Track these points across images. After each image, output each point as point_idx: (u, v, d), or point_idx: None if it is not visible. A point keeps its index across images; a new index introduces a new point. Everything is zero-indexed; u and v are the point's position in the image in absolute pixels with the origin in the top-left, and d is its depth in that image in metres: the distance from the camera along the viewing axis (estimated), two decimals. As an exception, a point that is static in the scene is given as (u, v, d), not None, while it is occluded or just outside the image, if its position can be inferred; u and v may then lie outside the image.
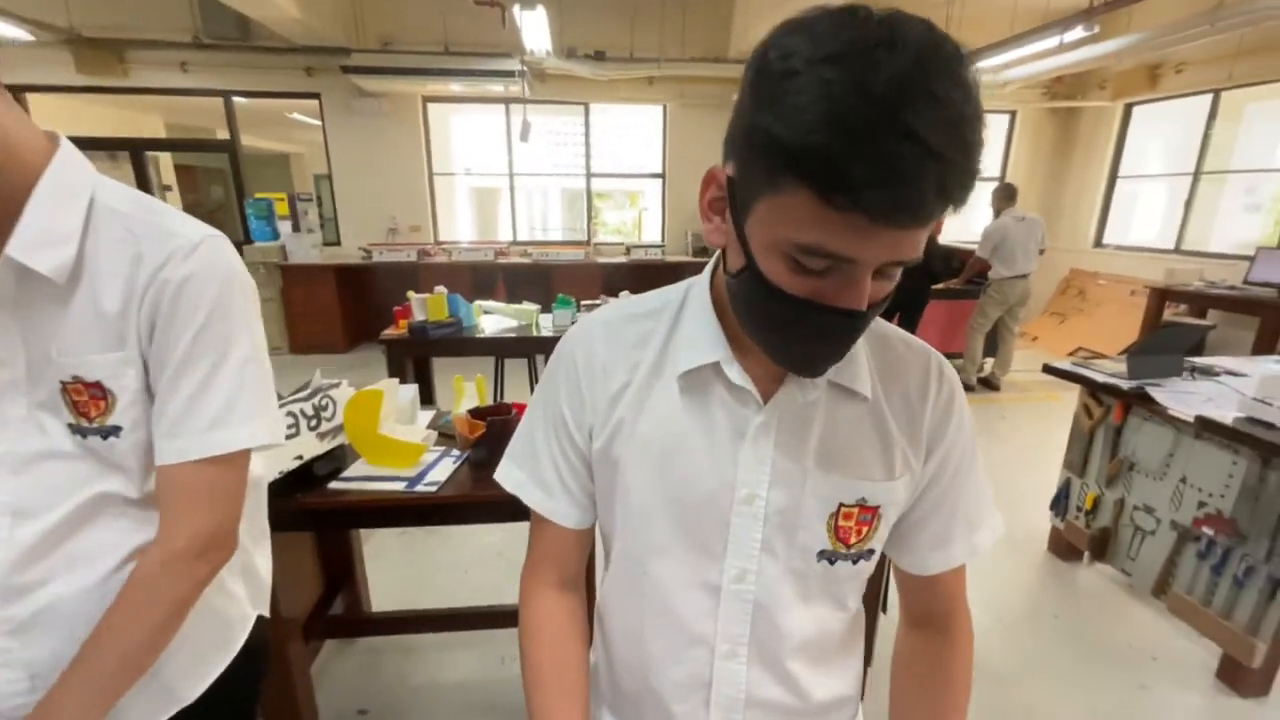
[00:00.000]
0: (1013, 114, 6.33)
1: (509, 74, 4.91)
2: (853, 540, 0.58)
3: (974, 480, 0.61)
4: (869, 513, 0.57)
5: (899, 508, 0.59)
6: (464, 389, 1.71)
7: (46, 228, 0.58)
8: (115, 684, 0.60)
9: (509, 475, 0.65)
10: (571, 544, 0.65)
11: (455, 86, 5.33)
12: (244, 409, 0.65)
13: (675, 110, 5.93)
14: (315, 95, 5.53)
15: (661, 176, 6.27)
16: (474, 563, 2.31)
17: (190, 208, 8.23)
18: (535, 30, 4.45)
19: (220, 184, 9.46)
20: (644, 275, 5.55)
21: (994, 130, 6.48)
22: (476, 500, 1.30)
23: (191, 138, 7.23)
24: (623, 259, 5.77)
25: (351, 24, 5.28)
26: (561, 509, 0.63)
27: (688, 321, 0.58)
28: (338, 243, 5.91)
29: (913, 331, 3.55)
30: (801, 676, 0.61)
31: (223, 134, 5.70)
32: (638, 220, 8.61)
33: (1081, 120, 6.20)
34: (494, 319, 3.05)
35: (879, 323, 0.60)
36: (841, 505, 0.56)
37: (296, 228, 5.35)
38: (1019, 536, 2.53)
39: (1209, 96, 5.10)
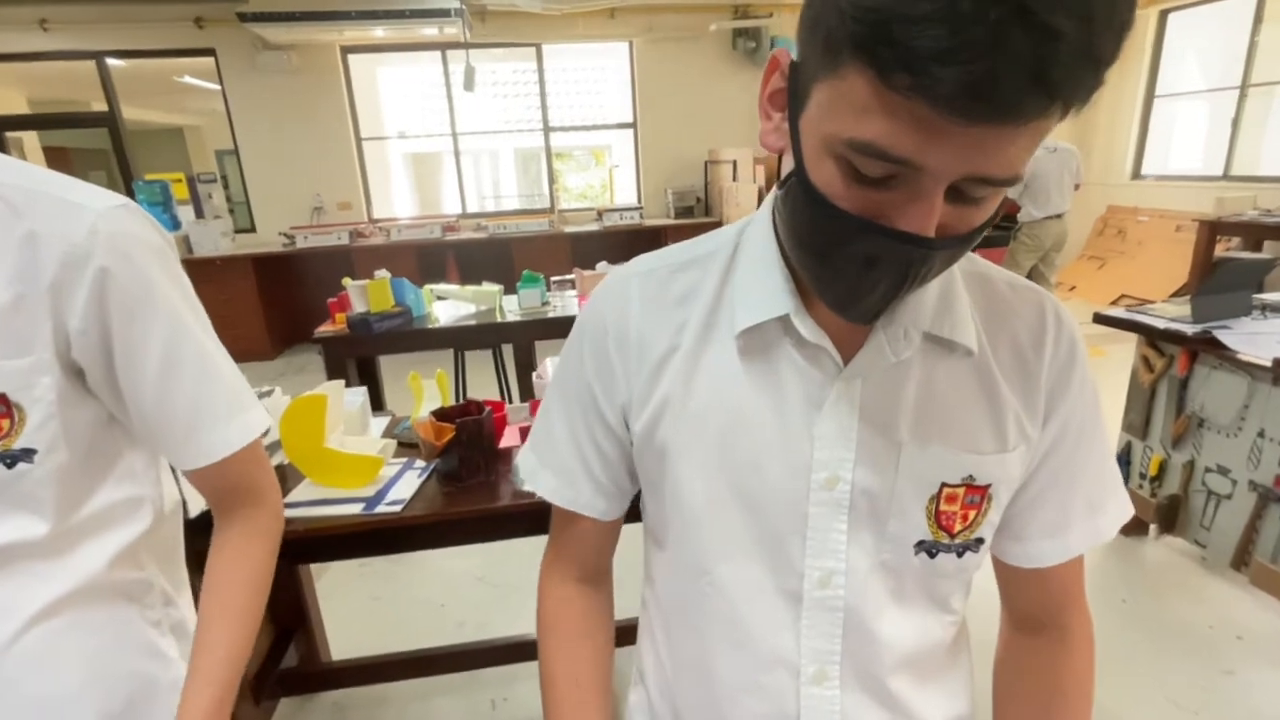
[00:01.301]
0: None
1: (444, 13, 4.78)
2: (957, 528, 0.54)
3: (1099, 451, 0.57)
4: (977, 493, 0.53)
5: (1012, 485, 0.55)
6: (423, 388, 1.65)
7: None
8: (246, 639, 0.66)
9: (526, 461, 0.64)
10: (597, 537, 0.64)
11: (380, 32, 5.17)
12: (244, 389, 0.68)
13: (643, 47, 5.84)
14: (209, 51, 5.33)
15: (632, 126, 6.19)
16: (451, 593, 2.27)
17: (68, 198, 7.97)
18: (471, -42, 4.33)
19: (101, 166, 9.15)
20: (620, 244, 5.49)
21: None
22: (451, 519, 1.26)
23: (61, 112, 6.94)
24: (594, 226, 5.71)
25: (247, -38, 5.08)
26: (585, 498, 0.61)
27: (744, 268, 0.54)
28: (252, 229, 5.75)
29: None
30: (909, 699, 0.57)
31: (99, 105, 5.47)
32: (608, 181, 8.52)
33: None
34: (449, 305, 2.98)
35: (976, 260, 0.56)
36: (945, 485, 0.52)
37: (200, 214, 5.18)
38: (1075, 513, 2.56)
39: (1253, -3, 5.16)
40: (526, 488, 0.63)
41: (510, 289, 3.08)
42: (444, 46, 5.64)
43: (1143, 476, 2.32)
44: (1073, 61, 0.31)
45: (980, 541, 0.55)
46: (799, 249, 0.46)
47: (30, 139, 6.66)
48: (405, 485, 1.33)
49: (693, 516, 0.56)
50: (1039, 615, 0.61)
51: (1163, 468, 2.24)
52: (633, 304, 0.56)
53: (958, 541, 0.54)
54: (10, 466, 0.57)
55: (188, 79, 7.09)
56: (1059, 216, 4.24)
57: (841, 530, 0.53)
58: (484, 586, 2.29)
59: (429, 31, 5.12)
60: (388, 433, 1.58)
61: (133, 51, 5.25)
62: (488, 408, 1.38)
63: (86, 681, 0.63)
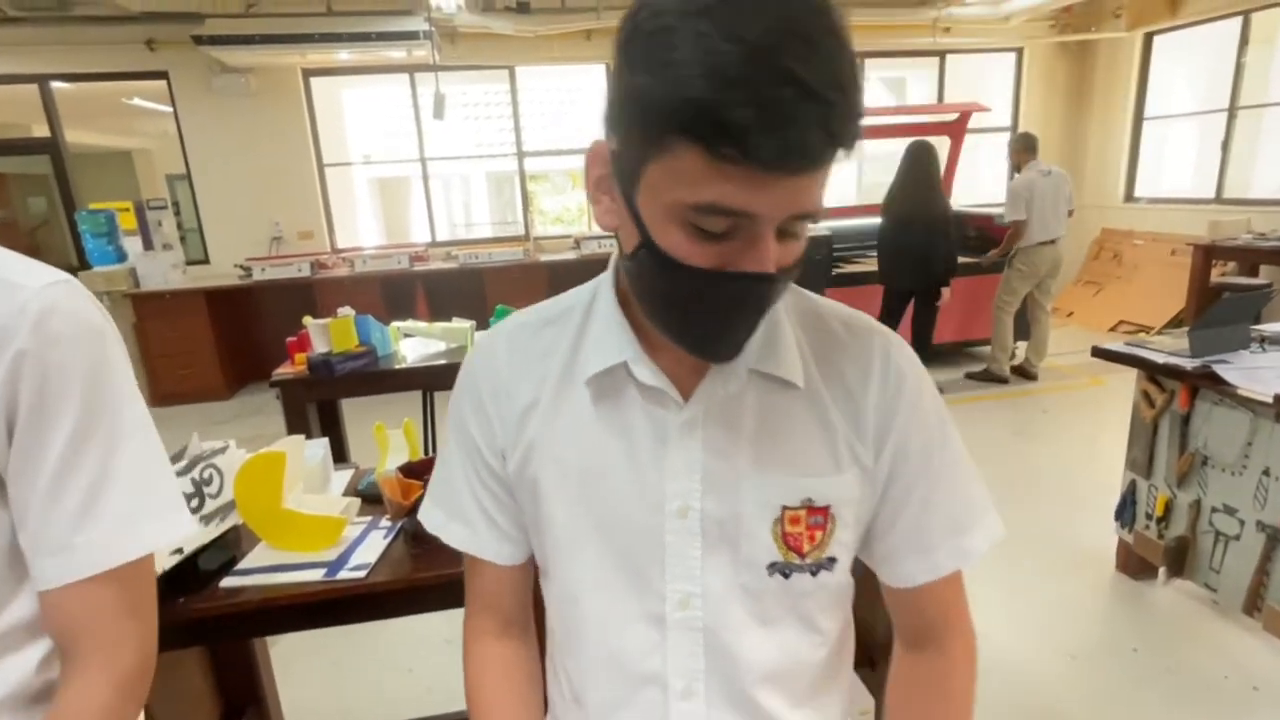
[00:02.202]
0: (1019, 52, 6.61)
1: (412, 35, 4.86)
2: (806, 548, 0.62)
3: (951, 476, 0.65)
4: (819, 514, 0.61)
5: (854, 506, 0.62)
6: (388, 440, 1.64)
7: None
8: None
9: (429, 516, 0.71)
10: (508, 583, 0.71)
11: (344, 55, 5.23)
12: (156, 494, 0.64)
13: (621, 69, 5.95)
14: (162, 74, 5.35)
15: (611, 150, 6.27)
16: (418, 657, 2.22)
17: (2, 228, 7.86)
18: (442, -20, 4.42)
19: (41, 192, 9.07)
20: (599, 272, 5.52)
21: (999, 72, 6.74)
22: (421, 584, 1.24)
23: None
24: (571, 255, 5.75)
25: (204, -17, 5.14)
26: (489, 544, 0.68)
27: (596, 322, 0.63)
28: (205, 260, 5.71)
29: (930, 324, 3.52)
30: (774, 713, 0.64)
31: (41, 130, 5.44)
32: (585, 205, 8.61)
33: (1098, 55, 6.51)
34: (417, 343, 2.97)
35: (815, 301, 0.66)
36: (785, 508, 0.60)
37: (149, 245, 5.13)
38: (1081, 553, 2.59)
39: (1238, 20, 5.42)
40: (442, 538, 0.70)
41: (483, 324, 3.08)
42: (412, 69, 5.72)
43: (1149, 517, 2.35)
44: (845, 118, 0.44)
45: (834, 560, 0.63)
46: (659, 308, 0.55)
47: (-36, 165, 6.59)
48: (370, 548, 1.31)
49: (563, 550, 0.64)
50: (921, 633, 0.68)
51: (1169, 507, 2.28)
52: (500, 359, 0.66)
53: (809, 561, 0.62)
54: None
55: (137, 101, 7.09)
56: (1053, 242, 4.35)
57: (696, 556, 0.61)
58: (453, 649, 2.25)
59: (397, 54, 5.19)
60: (350, 489, 1.56)
61: (79, 75, 5.25)
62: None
63: None
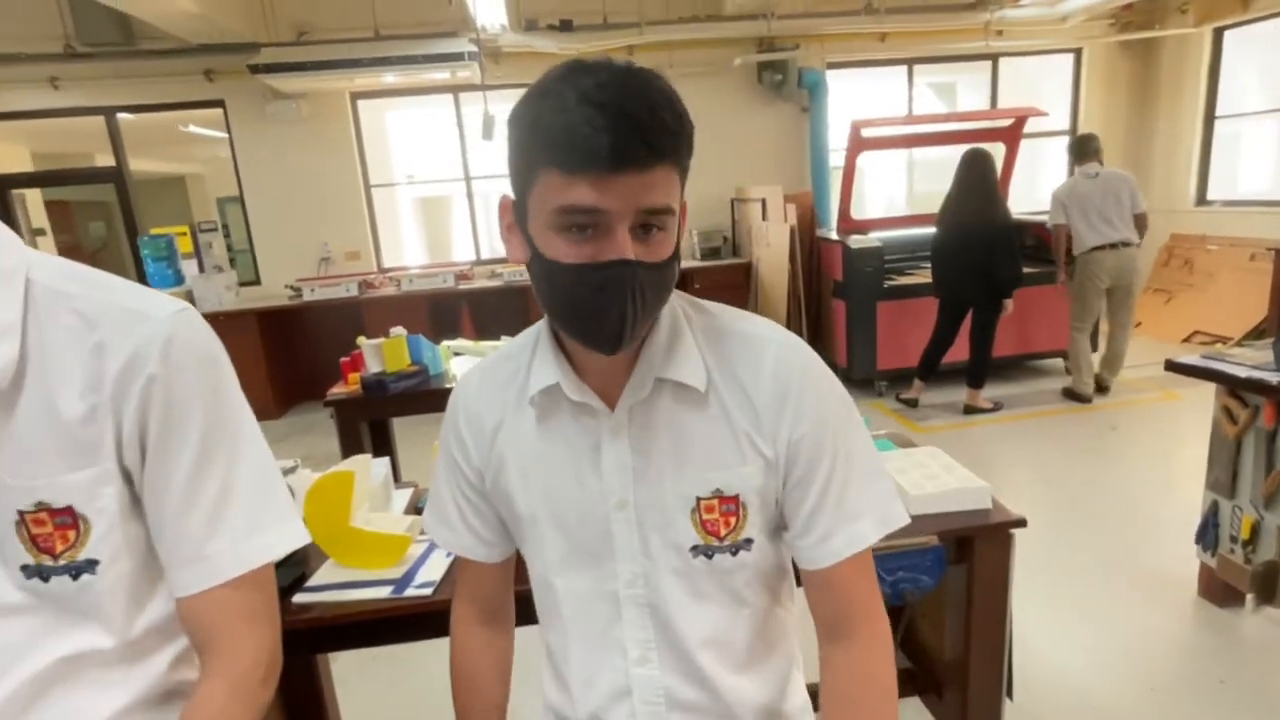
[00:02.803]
0: (1077, 52, 6.48)
1: (457, 57, 5.01)
2: (723, 532, 0.74)
3: (846, 466, 0.74)
4: (730, 502, 0.73)
5: (762, 493, 0.74)
6: (448, 458, 1.69)
7: None
8: None
9: (426, 520, 0.88)
10: (487, 578, 0.88)
11: (390, 78, 5.43)
12: (273, 507, 0.69)
13: (663, 83, 6.03)
14: (219, 103, 5.62)
15: (653, 165, 6.34)
16: (471, 678, 2.26)
17: (66, 251, 8.31)
18: (487, 1, 4.56)
19: (101, 218, 9.58)
20: (643, 288, 5.57)
21: (1055, 74, 6.62)
22: (485, 602, 1.28)
23: (69, 168, 7.32)
24: (615, 271, 5.80)
25: (259, 14, 5.40)
26: (467, 544, 0.85)
27: (539, 353, 0.77)
28: (257, 281, 5.95)
29: (989, 337, 3.45)
30: (716, 677, 0.76)
31: (105, 159, 5.77)
32: (627, 220, 8.69)
33: (1162, 53, 6.34)
34: (467, 362, 3.05)
35: (724, 318, 0.78)
36: (700, 498, 0.73)
37: (202, 267, 5.38)
38: (1159, 578, 2.50)
39: (1316, 12, 5.22)
40: (433, 539, 0.87)
41: (531, 343, 3.14)
42: (456, 89, 5.90)
43: (1234, 540, 2.26)
44: (657, 133, 0.59)
45: (750, 541, 0.75)
46: (556, 310, 0.68)
47: (33, 194, 7.01)
48: (434, 566, 1.36)
49: (533, 543, 0.80)
50: (835, 623, 0.76)
51: (1256, 530, 2.19)
52: (473, 392, 0.81)
53: (727, 543, 0.74)
54: (75, 578, 0.61)
55: (192, 128, 7.46)
56: (1113, 247, 4.18)
57: (636, 542, 0.75)
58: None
59: (440, 75, 5.36)
60: (411, 507, 1.61)
61: (143, 106, 5.56)
62: (520, 481, 1.41)
63: None
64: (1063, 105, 6.61)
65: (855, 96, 6.60)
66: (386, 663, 2.37)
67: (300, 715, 1.77)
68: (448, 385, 2.81)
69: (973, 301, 4.16)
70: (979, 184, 4.00)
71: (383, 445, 3.17)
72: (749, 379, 0.73)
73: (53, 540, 0.61)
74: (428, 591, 1.28)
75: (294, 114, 5.60)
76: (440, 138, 6.38)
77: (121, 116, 5.64)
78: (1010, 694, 1.63)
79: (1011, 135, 5.16)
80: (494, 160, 6.42)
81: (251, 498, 0.68)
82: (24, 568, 0.61)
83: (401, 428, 3.36)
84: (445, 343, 3.03)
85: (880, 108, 6.56)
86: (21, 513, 0.60)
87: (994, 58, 6.44)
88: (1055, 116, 6.38)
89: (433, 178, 7.11)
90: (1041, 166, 6.95)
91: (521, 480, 0.77)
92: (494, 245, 7.32)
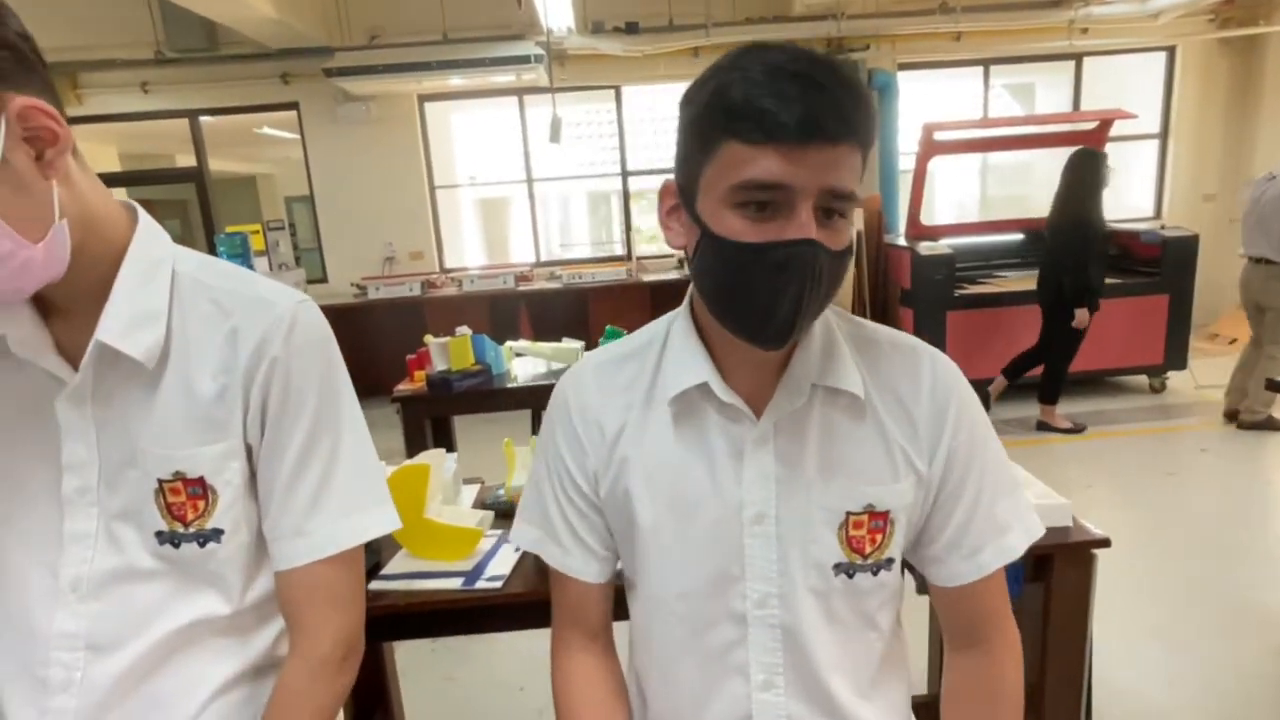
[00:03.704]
0: (1170, 50, 6.22)
1: (524, 60, 5.14)
2: (868, 550, 0.71)
3: (994, 479, 0.73)
4: (879, 519, 0.70)
5: (910, 511, 0.71)
6: (515, 455, 1.75)
7: (135, 307, 0.65)
8: None
9: (524, 535, 0.82)
10: (594, 600, 0.80)
11: (455, 80, 5.59)
12: (371, 491, 0.74)
13: (728, 85, 6.05)
14: (293, 105, 5.90)
15: (715, 168, 6.36)
16: (529, 676, 2.32)
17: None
18: (555, 4, 4.66)
19: (178, 217, 10.13)
20: (703, 293, 5.58)
21: (1148, 73, 6.36)
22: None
23: (153, 168, 7.78)
24: (675, 275, 5.84)
25: (334, 19, 5.64)
26: (578, 564, 0.78)
27: (673, 350, 0.74)
28: (324, 279, 6.20)
29: (1062, 348, 3.30)
30: (846, 705, 0.72)
31: (186, 160, 6.11)
32: (686, 224, 8.71)
33: (1267, 51, 6.02)
34: (528, 363, 3.12)
35: (867, 326, 0.75)
36: (849, 513, 0.70)
37: (272, 265, 5.64)
38: (1253, 612, 2.38)
39: None
40: (540, 556, 0.80)
41: (591, 344, 3.20)
42: (521, 91, 6.04)
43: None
44: (852, 108, 0.58)
45: (891, 561, 0.72)
46: (720, 294, 0.65)
47: (118, 193, 7.46)
48: (503, 560, 1.41)
49: (653, 557, 0.74)
50: (967, 632, 0.76)
51: (1365, 564, 2.07)
52: (589, 391, 0.76)
53: (870, 561, 0.71)
54: (203, 545, 0.68)
55: (266, 130, 7.84)
56: (1258, 261, 3.86)
57: (773, 559, 0.70)
58: (564, 670, 2.33)
59: (505, 78, 5.50)
60: (479, 502, 1.67)
61: (224, 109, 5.87)
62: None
63: None
64: (1150, 107, 6.35)
65: (927, 98, 6.49)
66: (445, 657, 2.45)
67: (366, 700, 1.86)
68: (510, 385, 2.89)
69: (1045, 309, 4.03)
70: (1071, 186, 3.86)
71: (445, 442, 3.27)
72: (907, 390, 0.71)
73: (185, 509, 0.67)
74: (497, 585, 1.33)
75: (363, 116, 5.83)
76: (502, 140, 6.54)
77: (203, 119, 5.97)
78: (1089, 718, 1.59)
79: (1096, 139, 4.99)
80: (556, 162, 6.55)
81: (351, 480, 0.73)
82: (158, 534, 0.67)
83: (462, 425, 3.46)
84: (508, 343, 3.12)
85: (953, 110, 6.43)
86: (161, 481, 0.66)
87: (1077, 57, 6.23)
88: (1144, 118, 6.13)
89: (494, 179, 7.29)
90: (1128, 172, 6.68)
91: (646, 488, 0.72)
92: (552, 248, 7.46)
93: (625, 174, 6.42)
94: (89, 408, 0.66)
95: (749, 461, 0.69)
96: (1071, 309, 3.87)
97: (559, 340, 3.18)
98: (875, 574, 0.71)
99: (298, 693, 0.70)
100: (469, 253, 7.27)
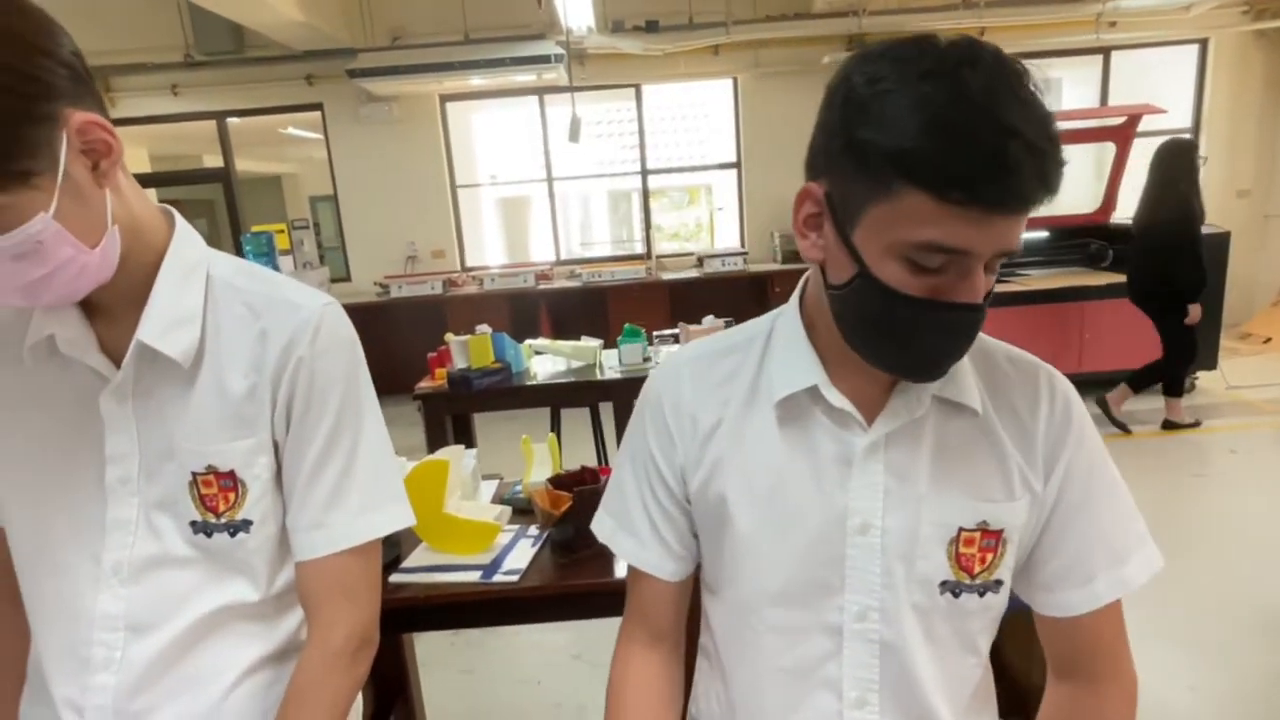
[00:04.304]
0: (1203, 43, 6.10)
1: (544, 59, 5.18)
2: (977, 569, 0.67)
3: (1113, 505, 0.69)
4: (992, 537, 0.66)
5: (1022, 532, 0.68)
6: (532, 452, 1.78)
7: (173, 309, 0.69)
8: None
9: (600, 525, 0.80)
10: (666, 597, 0.78)
11: (476, 80, 5.65)
12: (387, 488, 0.77)
13: (749, 83, 6.05)
14: (317, 106, 5.99)
15: (736, 166, 6.37)
16: (547, 670, 2.36)
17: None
18: (575, 3, 4.69)
19: (205, 216, 10.33)
20: (722, 292, 5.60)
21: (1179, 66, 6.25)
22: (570, 591, 1.35)
23: (182, 169, 7.95)
24: (694, 273, 5.85)
25: (357, 20, 5.73)
26: (654, 559, 0.76)
27: (778, 349, 0.71)
28: (347, 277, 6.29)
29: (1178, 347, 3.02)
30: None
31: (213, 160, 6.24)
32: (708, 223, 8.73)
33: (1303, 44, 5.90)
34: (546, 361, 3.16)
35: (982, 338, 0.71)
36: (962, 530, 0.66)
37: (296, 263, 5.74)
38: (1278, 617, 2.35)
39: None
40: (611, 548, 0.78)
41: (609, 343, 3.23)
42: (541, 91, 6.08)
43: (1370, 578, 2.10)
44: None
45: (999, 583, 0.68)
46: (870, 334, 0.62)
47: (149, 194, 7.65)
48: (520, 554, 1.44)
49: (745, 562, 0.71)
50: (1073, 663, 0.71)
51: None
52: (684, 384, 0.74)
53: (978, 582, 0.67)
54: (233, 535, 0.71)
55: (291, 130, 7.97)
56: None
57: (875, 571, 0.67)
58: (581, 665, 2.36)
59: (526, 78, 5.55)
60: (497, 497, 1.71)
61: (250, 110, 5.99)
62: (604, 476, 1.48)
63: None
64: (1180, 101, 6.23)
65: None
66: (464, 650, 2.50)
67: (388, 691, 1.90)
68: (529, 383, 2.92)
69: (1152, 311, 3.90)
70: (1169, 180, 3.75)
71: (465, 439, 3.32)
72: (1025, 406, 0.68)
73: (217, 500, 0.71)
74: (514, 578, 1.36)
75: (386, 116, 5.91)
76: (523, 139, 6.59)
77: (230, 120, 6.09)
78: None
79: (1123, 135, 4.92)
80: (577, 161, 6.59)
81: (369, 477, 0.76)
82: (192, 523, 0.71)
83: (482, 422, 3.51)
84: (527, 341, 3.15)
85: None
86: (195, 473, 0.70)
87: (1105, 51, 6.14)
88: (1174, 114, 6.03)
89: (515, 178, 7.35)
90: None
91: (744, 490, 0.70)
92: (572, 246, 7.50)
93: (645, 172, 6.44)
94: (130, 403, 0.69)
95: (858, 470, 0.67)
96: (1185, 305, 3.74)
97: (578, 339, 3.21)
98: (982, 595, 0.68)
99: (312, 683, 0.73)
100: (490, 251, 7.33)
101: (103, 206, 0.63)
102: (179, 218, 0.74)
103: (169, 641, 0.70)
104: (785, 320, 0.73)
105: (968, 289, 0.56)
